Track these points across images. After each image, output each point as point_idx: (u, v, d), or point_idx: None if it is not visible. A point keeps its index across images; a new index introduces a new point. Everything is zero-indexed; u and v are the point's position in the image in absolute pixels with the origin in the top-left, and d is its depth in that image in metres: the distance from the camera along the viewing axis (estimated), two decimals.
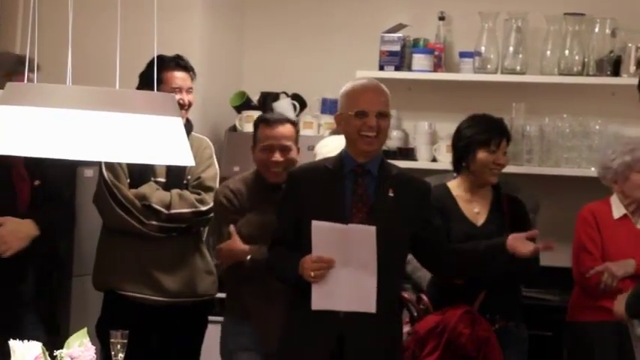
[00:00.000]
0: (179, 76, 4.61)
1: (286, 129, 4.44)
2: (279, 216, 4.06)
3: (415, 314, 4.47)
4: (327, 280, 3.80)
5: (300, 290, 3.88)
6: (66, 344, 2.95)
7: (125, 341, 3.28)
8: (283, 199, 4.05)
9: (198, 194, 4.61)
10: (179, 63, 4.62)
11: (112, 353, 3.27)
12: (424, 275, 4.60)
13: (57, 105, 2.57)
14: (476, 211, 4.33)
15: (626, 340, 4.48)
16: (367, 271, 3.80)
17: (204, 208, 4.59)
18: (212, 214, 4.59)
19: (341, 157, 3.95)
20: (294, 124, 4.53)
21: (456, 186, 4.41)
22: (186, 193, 4.60)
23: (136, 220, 4.54)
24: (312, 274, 3.79)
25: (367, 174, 3.92)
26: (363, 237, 3.77)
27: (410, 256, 4.73)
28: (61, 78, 2.79)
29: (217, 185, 4.61)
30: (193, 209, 4.57)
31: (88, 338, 2.95)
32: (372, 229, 3.76)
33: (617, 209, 4.86)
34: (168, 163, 2.56)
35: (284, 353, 4.02)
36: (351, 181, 3.90)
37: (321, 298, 3.82)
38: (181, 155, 2.59)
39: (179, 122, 2.63)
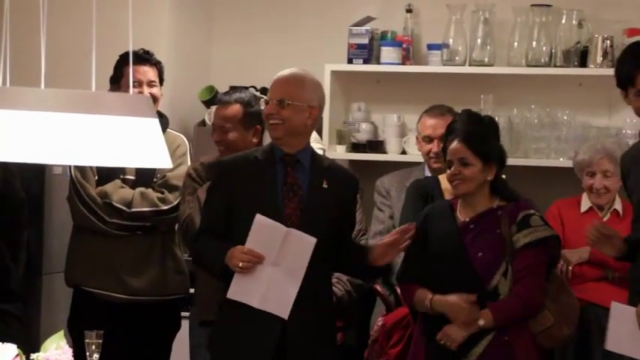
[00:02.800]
0: (139, 70, 4.57)
1: (228, 110, 4.53)
2: (207, 205, 4.06)
3: (386, 307, 4.51)
4: (250, 274, 3.79)
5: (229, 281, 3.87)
6: (42, 347, 2.94)
7: (100, 341, 3.28)
8: (212, 189, 4.05)
9: (161, 193, 4.59)
10: (140, 56, 4.59)
11: (87, 354, 3.25)
12: (393, 268, 4.61)
13: (31, 108, 2.55)
14: None
15: (590, 325, 4.54)
16: (293, 277, 3.79)
17: (165, 207, 4.57)
18: (175, 214, 4.57)
19: (271, 147, 3.98)
20: (246, 105, 4.55)
21: (445, 178, 4.39)
22: (148, 191, 4.58)
23: (97, 218, 4.54)
24: (240, 264, 3.78)
25: (297, 163, 3.94)
26: (300, 245, 3.78)
27: None
28: (33, 80, 2.76)
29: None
30: (154, 208, 4.55)
31: (64, 340, 2.93)
32: (313, 240, 3.77)
33: (585, 202, 4.95)
34: (145, 165, 2.54)
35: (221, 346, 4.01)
36: (281, 171, 3.92)
37: (239, 290, 3.81)
38: (158, 157, 2.57)
39: (155, 123, 2.62)
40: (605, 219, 4.91)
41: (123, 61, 4.57)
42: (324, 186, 3.93)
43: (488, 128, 4.02)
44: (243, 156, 4.05)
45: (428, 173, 4.75)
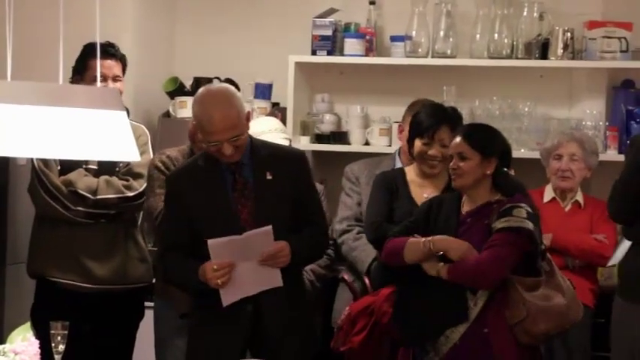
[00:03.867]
0: (104, 64, 4.55)
1: None
2: (166, 221, 4.05)
3: (353, 295, 4.54)
4: (232, 279, 3.82)
5: (207, 295, 3.87)
6: (8, 339, 2.94)
7: (65, 332, 3.29)
8: (168, 203, 4.03)
9: (127, 180, 4.60)
10: (106, 50, 4.58)
11: (53, 344, 3.26)
12: (359, 255, 4.65)
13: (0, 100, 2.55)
14: (425, 196, 4.30)
15: None
16: None
17: (130, 194, 4.58)
18: (140, 200, 4.58)
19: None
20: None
21: (411, 170, 4.44)
22: (113, 179, 4.58)
23: (61, 206, 4.53)
24: (219, 281, 3.80)
25: (242, 165, 3.91)
26: (262, 238, 3.80)
27: (344, 237, 4.78)
28: None
29: (147, 173, 4.59)
30: (119, 195, 4.56)
31: (31, 332, 2.94)
32: (269, 228, 3.78)
33: (548, 193, 5.03)
34: (113, 158, 2.55)
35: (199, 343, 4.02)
36: (229, 177, 3.91)
37: (230, 294, 3.84)
38: (126, 150, 2.59)
39: (123, 116, 2.63)
40: (566, 209, 4.98)
41: (87, 53, 4.56)
42: (269, 177, 3.91)
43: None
44: (187, 165, 4.03)
45: (399, 164, 4.74)
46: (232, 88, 3.94)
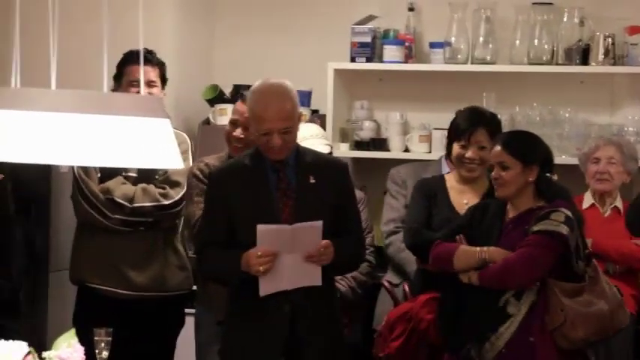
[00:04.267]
0: (137, 69, 4.53)
1: None
2: (206, 218, 4.07)
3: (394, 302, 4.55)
4: (273, 269, 3.84)
5: (247, 286, 3.88)
6: (54, 345, 2.96)
7: (109, 339, 3.31)
8: (208, 202, 4.05)
9: (163, 188, 4.62)
10: (137, 57, 4.61)
11: (97, 351, 3.28)
12: (407, 257, 4.64)
13: (42, 109, 2.56)
14: (464, 202, 4.31)
15: None
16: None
17: (166, 202, 4.59)
18: (178, 209, 4.59)
19: (258, 152, 3.95)
20: None
21: (451, 177, 4.45)
22: (150, 187, 4.60)
23: (99, 214, 4.56)
24: (261, 268, 3.81)
25: (286, 165, 3.94)
26: (310, 232, 3.81)
27: (391, 238, 4.78)
28: (43, 81, 2.79)
29: (186, 181, 4.61)
30: (155, 203, 4.58)
31: (76, 339, 2.95)
32: (319, 224, 3.80)
33: (587, 199, 5.01)
34: (156, 166, 2.56)
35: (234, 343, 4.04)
36: (272, 176, 3.93)
37: (268, 285, 3.86)
38: (169, 158, 2.59)
39: (166, 123, 2.64)
40: (606, 215, 4.95)
41: (124, 60, 4.61)
42: (312, 181, 3.93)
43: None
44: (232, 164, 4.06)
45: (446, 170, 4.69)
46: (289, 83, 3.98)
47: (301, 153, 3.99)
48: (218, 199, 3.98)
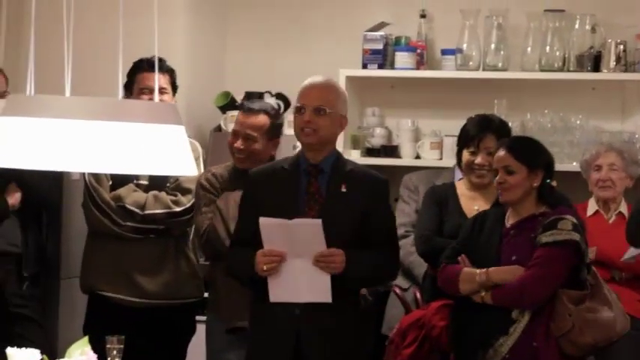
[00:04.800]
0: (150, 77, 4.58)
1: (256, 119, 4.50)
2: (240, 218, 4.10)
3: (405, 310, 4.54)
4: (282, 273, 3.85)
5: (259, 287, 3.91)
6: (67, 353, 2.96)
7: (121, 346, 3.30)
8: (243, 201, 4.09)
9: (174, 196, 4.62)
10: (153, 64, 4.60)
11: (109, 359, 3.27)
12: (415, 260, 4.64)
13: (58, 116, 2.56)
14: (475, 208, 4.31)
15: None
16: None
17: (178, 209, 4.59)
18: (189, 216, 4.59)
19: (297, 157, 4.01)
20: (272, 116, 4.54)
21: (461, 184, 4.45)
22: (162, 194, 4.61)
23: (111, 221, 4.56)
24: (265, 267, 3.83)
25: (321, 172, 3.96)
26: (310, 230, 3.81)
27: (401, 242, 4.78)
28: (57, 88, 2.79)
29: None
30: (167, 210, 4.58)
31: (89, 347, 2.95)
32: (318, 222, 3.80)
33: (591, 206, 5.00)
34: (170, 173, 2.56)
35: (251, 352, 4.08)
36: (304, 180, 3.95)
37: (278, 291, 3.87)
38: (183, 165, 2.60)
39: (181, 131, 2.64)
40: (610, 221, 4.94)
41: (135, 68, 4.62)
42: (343, 190, 3.94)
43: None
44: (270, 167, 4.11)
45: (459, 177, 4.67)
46: (342, 88, 4.07)
47: (341, 162, 4.01)
48: (250, 199, 4.02)
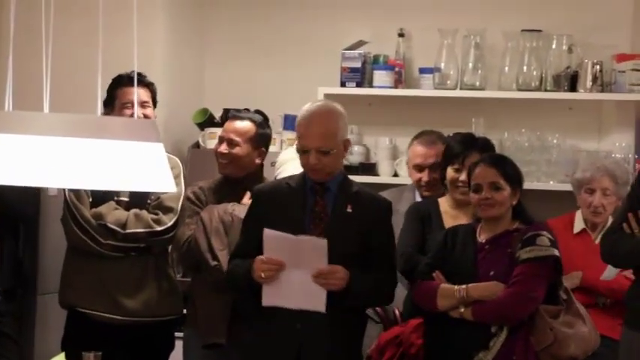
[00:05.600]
0: (131, 91, 4.58)
1: (240, 125, 4.60)
2: (242, 233, 4.12)
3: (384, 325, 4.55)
4: (278, 280, 3.86)
5: (257, 296, 3.92)
6: None
7: None
8: (247, 216, 4.13)
9: (156, 214, 4.61)
10: (133, 78, 4.62)
11: None
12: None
13: (36, 132, 2.57)
14: None
15: None
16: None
17: (159, 229, 4.59)
18: (170, 235, 4.60)
19: (304, 175, 4.02)
20: (259, 125, 4.62)
21: (444, 201, 4.47)
22: (143, 213, 4.60)
23: (92, 240, 4.55)
24: (263, 274, 3.85)
25: (327, 191, 3.99)
26: (314, 248, 3.83)
27: None
28: (35, 105, 2.79)
29: (179, 206, 4.63)
30: (148, 229, 4.57)
31: None
32: (324, 242, 3.82)
33: (578, 223, 4.96)
34: (149, 189, 2.57)
35: None
36: (311, 198, 3.97)
37: (272, 295, 3.88)
38: (162, 181, 2.60)
39: (160, 148, 2.65)
40: (597, 241, 4.93)
41: (115, 83, 4.61)
42: (348, 210, 3.96)
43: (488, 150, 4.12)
44: (276, 183, 4.14)
45: (418, 197, 4.78)
46: (340, 109, 4.05)
47: (347, 182, 4.04)
48: (254, 215, 4.04)
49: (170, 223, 4.59)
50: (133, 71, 4.58)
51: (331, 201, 3.97)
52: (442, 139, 4.78)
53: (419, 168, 4.74)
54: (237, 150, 4.55)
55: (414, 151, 4.79)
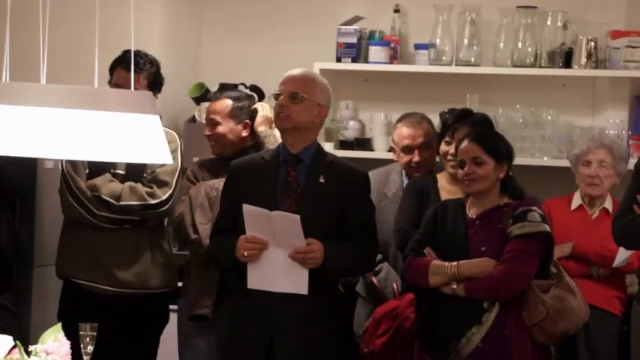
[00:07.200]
0: (122, 75, 4.62)
1: (217, 105, 4.66)
2: (220, 208, 4.17)
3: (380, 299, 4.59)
4: (261, 261, 3.89)
5: (240, 274, 3.96)
6: (40, 339, 2.97)
7: (94, 334, 3.31)
8: (223, 191, 4.16)
9: (150, 188, 4.64)
10: (128, 62, 4.63)
11: (82, 346, 3.29)
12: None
13: (33, 103, 2.58)
14: None
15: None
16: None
17: (153, 202, 4.62)
18: (164, 208, 4.63)
19: (278, 148, 4.06)
20: (235, 99, 4.66)
21: (442, 176, 4.48)
22: (138, 186, 4.63)
23: (86, 211, 4.58)
24: (245, 253, 3.88)
25: (300, 162, 4.00)
26: (288, 224, 3.85)
27: None
28: (33, 76, 2.81)
29: (174, 180, 4.66)
30: (142, 202, 4.60)
31: (62, 333, 2.96)
32: (296, 217, 3.83)
33: (576, 200, 4.98)
34: (145, 161, 2.59)
35: (224, 347, 4.15)
36: (283, 170, 3.99)
37: (257, 278, 3.91)
38: (159, 153, 2.63)
39: (156, 120, 2.67)
40: (594, 217, 4.96)
41: (115, 62, 4.66)
42: (321, 181, 3.97)
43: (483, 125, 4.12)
44: (250, 157, 4.16)
45: (406, 179, 4.76)
46: (327, 84, 4.09)
47: (321, 153, 4.05)
48: (229, 190, 4.08)
49: (164, 197, 4.61)
50: (137, 52, 4.60)
51: (304, 172, 3.98)
52: (426, 119, 4.79)
53: (408, 149, 4.71)
54: (219, 129, 4.60)
55: (401, 134, 4.74)
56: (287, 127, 3.98)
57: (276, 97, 4.01)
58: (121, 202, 4.58)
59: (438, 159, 4.63)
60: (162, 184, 4.64)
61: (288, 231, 3.85)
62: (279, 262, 3.87)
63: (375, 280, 4.68)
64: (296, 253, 3.85)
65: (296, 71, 4.06)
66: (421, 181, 4.53)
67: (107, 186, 4.60)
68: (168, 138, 4.73)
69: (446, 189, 4.42)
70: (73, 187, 4.59)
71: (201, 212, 4.43)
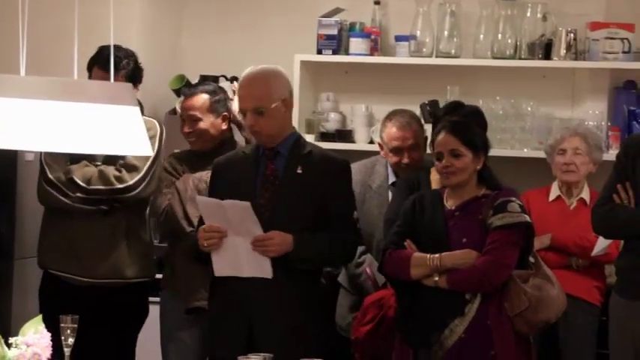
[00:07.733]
0: (98, 74, 4.61)
1: (194, 100, 4.65)
2: None
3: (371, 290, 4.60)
4: (224, 249, 3.91)
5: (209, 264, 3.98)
6: (21, 331, 2.97)
7: (75, 326, 3.32)
8: (209, 188, 4.19)
9: (119, 171, 4.63)
10: (107, 62, 4.61)
11: (62, 338, 3.29)
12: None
13: (13, 95, 2.59)
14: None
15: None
16: None
17: (120, 186, 4.60)
18: (133, 193, 4.62)
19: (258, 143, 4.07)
20: (211, 93, 4.67)
21: (435, 169, 4.48)
22: (107, 170, 4.61)
23: (60, 193, 4.57)
24: (205, 243, 3.90)
25: (278, 155, 4.01)
26: (241, 211, 3.86)
27: None
28: (11, 69, 2.80)
29: (146, 166, 4.64)
30: (110, 187, 4.60)
31: (43, 325, 2.96)
32: (247, 204, 3.84)
33: (554, 191, 5.02)
34: (125, 153, 2.59)
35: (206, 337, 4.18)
36: (263, 164, 4.01)
37: (221, 266, 3.94)
38: (138, 145, 2.63)
39: (136, 111, 2.67)
40: (572, 207, 4.99)
41: (92, 60, 4.64)
42: (298, 171, 3.97)
43: (474, 117, 4.10)
44: (233, 154, 4.17)
45: (392, 173, 4.78)
46: (280, 71, 4.06)
47: (300, 144, 4.04)
48: (212, 183, 4.11)
49: (131, 182, 4.59)
50: (116, 47, 4.57)
51: (282, 164, 3.99)
52: (415, 119, 4.79)
53: (397, 150, 4.71)
54: (200, 125, 4.62)
55: (390, 135, 4.73)
56: (265, 141, 4.00)
57: (242, 112, 4.00)
58: (91, 186, 4.57)
59: (429, 150, 4.64)
60: (132, 168, 4.62)
61: (242, 218, 3.86)
62: (241, 249, 3.88)
63: (368, 270, 4.67)
64: (256, 242, 3.86)
65: (248, 79, 4.00)
66: (413, 174, 4.54)
67: (80, 170, 4.59)
68: (147, 125, 4.73)
69: (436, 181, 4.42)
70: (47, 172, 4.59)
71: (193, 205, 4.43)
